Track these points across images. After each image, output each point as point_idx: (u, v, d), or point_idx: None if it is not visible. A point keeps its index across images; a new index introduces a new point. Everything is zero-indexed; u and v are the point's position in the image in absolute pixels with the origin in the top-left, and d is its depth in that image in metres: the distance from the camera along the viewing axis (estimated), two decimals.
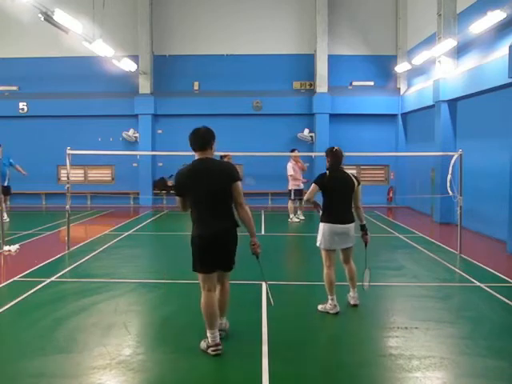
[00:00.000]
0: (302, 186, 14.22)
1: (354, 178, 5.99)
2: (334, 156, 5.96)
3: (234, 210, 4.78)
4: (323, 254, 6.08)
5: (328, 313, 5.88)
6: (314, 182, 5.98)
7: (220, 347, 4.65)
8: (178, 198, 4.82)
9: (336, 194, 5.88)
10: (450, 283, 7.60)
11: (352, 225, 6.04)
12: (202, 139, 4.80)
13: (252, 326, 5.00)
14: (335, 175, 5.93)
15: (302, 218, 14.45)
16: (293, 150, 14.26)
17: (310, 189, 5.95)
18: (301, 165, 14.42)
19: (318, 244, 6.07)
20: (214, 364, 4.54)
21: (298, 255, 10.14)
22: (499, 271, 8.04)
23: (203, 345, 4.75)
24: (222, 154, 13.21)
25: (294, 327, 5.48)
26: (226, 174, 4.73)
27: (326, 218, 5.97)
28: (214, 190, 4.64)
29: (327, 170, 6.01)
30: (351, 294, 6.23)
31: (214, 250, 4.67)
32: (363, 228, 6.24)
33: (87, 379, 4.23)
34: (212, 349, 4.64)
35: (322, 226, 6.00)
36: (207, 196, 4.64)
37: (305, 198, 6.10)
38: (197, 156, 4.83)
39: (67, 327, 5.48)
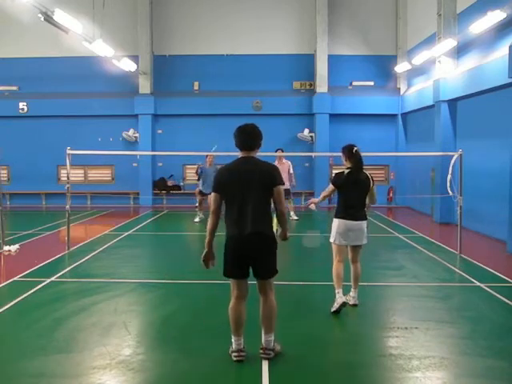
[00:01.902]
0: (288, 186, 14.12)
1: (370, 178, 6.11)
2: (355, 157, 5.99)
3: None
4: (334, 248, 6.19)
5: (336, 312, 5.83)
6: (332, 183, 6.14)
7: (243, 354, 4.53)
8: (213, 194, 4.54)
9: (352, 193, 5.96)
10: (449, 283, 7.60)
11: (365, 222, 6.08)
12: (252, 139, 4.63)
13: (252, 326, 4.98)
14: (354, 176, 5.99)
15: (296, 218, 14.47)
16: (277, 150, 14.20)
17: (329, 189, 6.14)
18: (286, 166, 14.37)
19: (331, 240, 6.19)
20: (214, 364, 4.54)
21: (297, 255, 10.13)
22: (499, 271, 8.03)
23: (230, 349, 4.63)
24: (206, 154, 13.32)
25: (294, 327, 5.48)
26: (268, 176, 4.50)
27: (340, 214, 6.08)
28: (253, 192, 4.44)
29: (347, 169, 6.05)
30: (352, 293, 6.26)
31: (247, 255, 4.45)
32: None
33: (87, 379, 4.23)
34: (235, 354, 4.53)
35: (336, 221, 6.12)
36: (245, 197, 4.44)
37: (321, 196, 6.34)
38: (241, 154, 4.64)
39: (67, 327, 5.48)
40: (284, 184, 4.67)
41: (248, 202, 4.45)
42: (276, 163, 14.21)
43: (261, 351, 4.58)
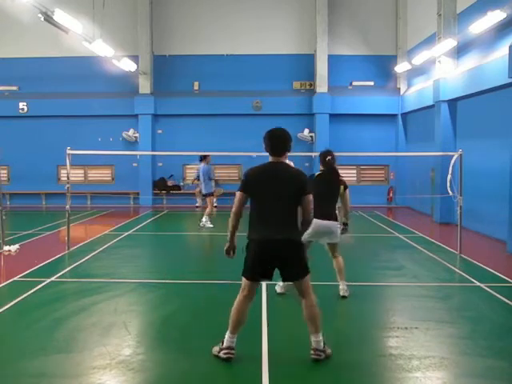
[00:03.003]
0: None
1: (341, 182, 6.49)
2: (327, 165, 6.46)
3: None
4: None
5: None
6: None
7: (233, 351, 4.53)
8: (238, 194, 4.49)
9: (321, 194, 6.01)
10: (449, 283, 7.60)
11: (333, 222, 6.40)
12: (283, 145, 4.58)
13: (252, 325, 4.99)
14: (324, 177, 6.45)
15: None
16: None
17: None
18: None
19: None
20: (214, 364, 4.54)
21: None
22: (499, 271, 8.04)
23: (215, 349, 4.64)
24: (203, 154, 13.30)
25: (294, 327, 5.48)
26: (298, 183, 4.47)
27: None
28: (281, 197, 4.41)
29: (321, 171, 6.55)
30: (341, 285, 6.59)
31: (272, 260, 4.45)
32: (345, 224, 6.66)
33: (87, 379, 4.22)
34: (225, 351, 4.51)
35: None
36: (273, 201, 4.41)
37: None
38: (270, 159, 4.60)
39: (67, 327, 5.48)
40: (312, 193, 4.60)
41: (277, 206, 4.43)
42: None
43: (311, 352, 4.55)
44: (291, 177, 4.52)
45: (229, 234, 4.59)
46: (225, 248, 4.63)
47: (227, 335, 4.57)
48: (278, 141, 4.60)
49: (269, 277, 4.57)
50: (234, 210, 4.52)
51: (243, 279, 4.58)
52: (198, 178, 14.00)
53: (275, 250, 4.44)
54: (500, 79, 10.47)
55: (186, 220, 14.93)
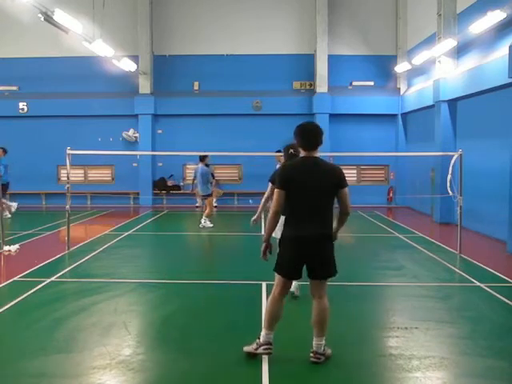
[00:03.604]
0: None
1: None
2: (290, 158, 5.95)
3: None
4: None
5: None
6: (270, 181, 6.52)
7: (271, 347, 4.51)
8: (278, 192, 4.37)
9: None
10: (450, 283, 7.60)
11: None
12: (318, 138, 4.56)
13: (252, 325, 4.99)
14: None
15: None
16: (278, 151, 14.19)
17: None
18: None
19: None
20: (214, 364, 4.54)
21: None
22: (499, 271, 8.03)
23: (248, 348, 4.60)
24: (202, 154, 13.29)
25: (294, 327, 5.48)
26: (336, 178, 4.42)
27: None
28: (320, 192, 4.37)
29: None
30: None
31: (311, 256, 4.40)
32: None
33: (87, 379, 4.22)
34: (265, 347, 4.49)
35: None
36: (312, 196, 4.36)
37: None
38: (303, 154, 4.55)
39: (67, 327, 5.48)
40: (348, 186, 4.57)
41: (317, 202, 4.39)
42: (278, 166, 14.24)
43: (311, 355, 4.53)
44: (328, 171, 4.46)
45: (267, 234, 4.47)
46: (262, 249, 4.47)
47: (264, 332, 4.54)
48: (310, 135, 4.59)
49: (301, 275, 4.53)
50: (275, 209, 4.35)
51: (277, 276, 4.54)
52: (195, 178, 13.99)
53: (315, 247, 4.40)
54: (500, 79, 10.47)
55: (186, 220, 14.93)
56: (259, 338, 4.57)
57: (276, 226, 4.45)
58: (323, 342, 4.55)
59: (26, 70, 18.75)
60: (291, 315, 5.87)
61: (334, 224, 4.53)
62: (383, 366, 4.53)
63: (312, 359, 4.51)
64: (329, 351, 4.63)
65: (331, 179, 4.42)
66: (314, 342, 4.55)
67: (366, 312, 6.12)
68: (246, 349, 4.64)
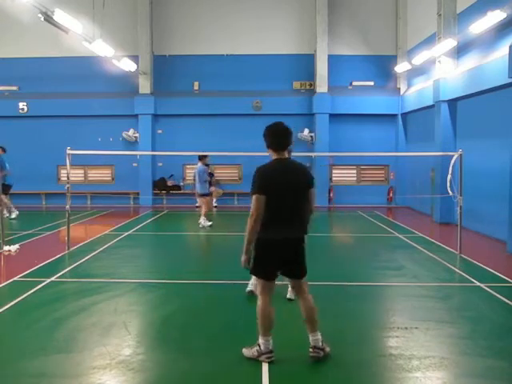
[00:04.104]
0: None
1: None
2: None
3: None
4: None
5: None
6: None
7: (273, 354, 4.51)
8: (257, 197, 4.30)
9: None
10: (450, 283, 7.60)
11: None
12: (289, 139, 4.58)
13: (252, 325, 4.98)
14: None
15: None
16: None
17: None
18: None
19: None
20: (214, 364, 4.54)
21: None
22: (499, 271, 8.04)
23: (250, 352, 4.59)
24: (201, 154, 13.29)
25: (294, 327, 5.48)
26: (308, 177, 4.51)
27: None
28: (297, 193, 4.42)
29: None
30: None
31: (285, 256, 4.44)
32: None
33: (87, 379, 4.23)
34: (268, 355, 4.48)
35: None
36: (290, 198, 4.37)
37: None
38: (275, 155, 4.54)
39: (67, 327, 5.48)
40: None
41: (296, 203, 4.42)
42: None
43: (310, 350, 4.56)
44: (300, 171, 4.53)
45: (246, 242, 4.38)
46: (242, 259, 4.40)
47: (263, 339, 4.52)
48: (284, 135, 4.57)
49: (276, 275, 4.56)
50: (255, 216, 4.30)
51: (261, 281, 4.53)
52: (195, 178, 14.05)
53: (296, 249, 4.49)
54: (500, 79, 10.47)
55: (186, 220, 14.92)
56: (259, 346, 4.54)
57: (257, 232, 4.35)
58: (319, 336, 4.59)
59: (26, 70, 18.75)
60: (291, 315, 5.87)
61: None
62: (383, 366, 4.53)
63: (311, 354, 4.54)
64: (327, 348, 4.65)
65: (304, 179, 4.50)
66: (310, 339, 4.59)
67: (366, 312, 6.12)
68: (246, 353, 4.63)
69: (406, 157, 18.12)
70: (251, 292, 6.44)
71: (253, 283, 6.41)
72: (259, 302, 4.52)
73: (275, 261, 4.45)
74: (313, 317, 4.60)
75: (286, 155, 4.59)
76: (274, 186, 4.35)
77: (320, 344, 4.57)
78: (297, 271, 4.57)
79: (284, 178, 4.40)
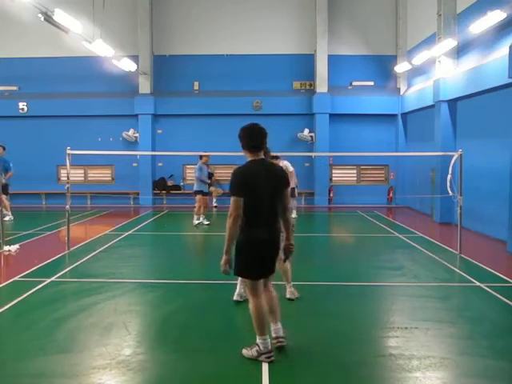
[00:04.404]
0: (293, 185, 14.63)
1: None
2: None
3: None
4: None
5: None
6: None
7: (273, 353, 4.55)
8: (236, 199, 4.34)
9: None
10: (449, 283, 7.60)
11: None
12: (265, 140, 4.64)
13: (252, 325, 4.98)
14: None
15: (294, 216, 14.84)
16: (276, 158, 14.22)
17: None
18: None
19: None
20: (214, 364, 4.54)
21: (297, 255, 10.13)
22: (499, 271, 8.04)
23: (250, 352, 4.60)
24: (203, 153, 13.30)
25: (294, 327, 5.48)
26: (283, 177, 4.61)
27: None
28: (274, 193, 4.50)
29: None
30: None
31: (267, 255, 4.56)
32: None
33: (87, 379, 4.23)
34: (267, 355, 4.50)
35: None
36: (267, 198, 4.45)
37: None
38: (251, 156, 4.58)
39: (67, 327, 5.48)
40: None
41: (273, 203, 4.52)
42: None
43: (274, 341, 4.67)
44: (276, 172, 4.64)
45: (227, 244, 4.38)
46: (222, 262, 4.39)
47: (261, 339, 4.53)
48: (260, 136, 4.64)
49: (265, 274, 4.69)
50: (234, 216, 4.32)
51: (249, 282, 4.57)
52: None
53: (275, 247, 4.61)
54: (500, 79, 10.47)
55: (186, 220, 14.89)
56: (258, 346, 4.55)
57: (236, 234, 4.38)
58: (279, 325, 4.76)
59: (26, 70, 18.75)
60: (291, 316, 5.88)
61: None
62: (383, 366, 4.53)
63: (277, 345, 4.71)
64: (285, 332, 4.80)
65: (280, 180, 4.58)
66: (272, 329, 4.74)
67: (366, 312, 6.12)
68: (246, 354, 4.64)
69: (405, 157, 18.12)
70: (238, 301, 6.36)
71: (237, 293, 6.38)
72: (251, 304, 4.56)
73: (258, 260, 4.52)
74: (277, 307, 4.78)
75: (262, 156, 4.63)
76: (251, 188, 4.41)
77: (281, 333, 4.75)
78: (273, 266, 4.71)
79: (260, 178, 4.46)
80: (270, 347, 4.54)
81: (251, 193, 4.39)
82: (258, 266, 4.53)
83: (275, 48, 18.74)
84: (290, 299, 6.33)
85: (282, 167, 4.74)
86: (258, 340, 4.55)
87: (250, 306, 4.57)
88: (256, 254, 4.48)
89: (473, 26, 10.89)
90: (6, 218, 14.41)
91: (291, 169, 14.31)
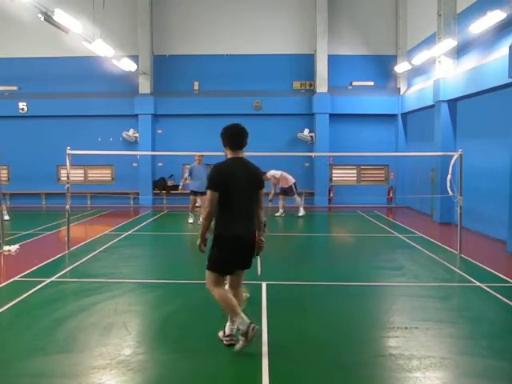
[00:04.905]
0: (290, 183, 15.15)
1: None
2: None
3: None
4: None
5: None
6: None
7: (234, 338, 4.78)
8: (211, 193, 4.56)
9: None
10: (449, 283, 7.60)
11: None
12: (246, 139, 4.81)
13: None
14: None
15: (302, 214, 14.94)
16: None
17: None
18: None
19: None
20: (214, 364, 4.54)
21: (298, 255, 10.14)
22: (499, 271, 8.04)
23: (220, 334, 4.92)
24: (198, 153, 13.42)
25: (294, 327, 5.48)
26: (259, 178, 4.82)
27: None
28: (250, 191, 4.66)
29: None
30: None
31: (241, 251, 4.66)
32: None
33: (87, 379, 4.23)
34: (226, 338, 4.83)
35: None
36: (244, 196, 4.61)
37: None
38: (231, 154, 4.75)
39: (67, 327, 5.48)
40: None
41: (249, 201, 4.65)
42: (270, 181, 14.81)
43: (227, 338, 4.84)
44: (254, 171, 4.76)
45: (202, 231, 4.71)
46: (198, 243, 4.71)
47: (231, 323, 4.79)
48: (241, 135, 4.81)
49: (232, 270, 4.83)
50: (208, 209, 4.60)
51: (213, 275, 4.72)
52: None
53: (248, 245, 4.70)
54: (500, 79, 10.47)
55: (186, 220, 14.89)
56: (224, 329, 4.87)
57: (210, 224, 4.69)
58: (235, 326, 4.84)
59: (26, 70, 18.75)
60: (291, 315, 5.88)
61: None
62: (383, 366, 4.53)
63: (226, 343, 4.84)
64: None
65: (256, 179, 4.75)
66: (227, 327, 4.86)
67: (366, 312, 6.11)
68: (220, 335, 4.93)
69: (405, 157, 18.12)
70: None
71: (229, 326, 5.04)
72: (215, 294, 4.71)
73: (229, 257, 4.64)
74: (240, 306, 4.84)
75: (242, 155, 4.79)
76: (227, 184, 4.57)
77: (234, 332, 4.84)
78: (248, 262, 4.79)
79: (238, 176, 4.62)
80: (232, 332, 4.79)
81: (227, 189, 4.57)
82: (229, 261, 4.67)
83: (275, 48, 18.74)
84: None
85: (258, 168, 4.88)
86: (228, 324, 4.82)
87: (215, 296, 4.73)
88: (228, 250, 4.62)
89: (473, 26, 10.89)
90: (6, 218, 14.46)
91: (278, 174, 14.81)
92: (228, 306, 4.68)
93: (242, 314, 4.65)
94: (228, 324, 4.86)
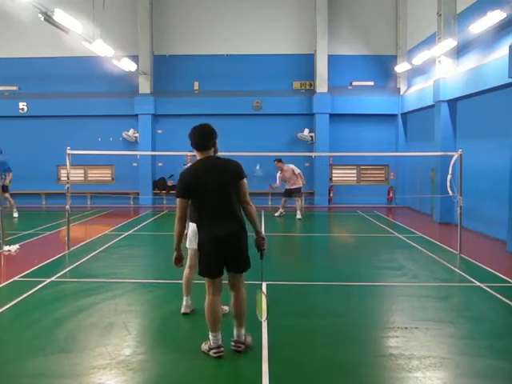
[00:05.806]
0: (299, 185, 15.08)
1: None
2: None
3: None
4: None
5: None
6: None
7: (222, 349, 4.60)
8: (180, 201, 4.52)
9: None
10: (449, 283, 7.60)
11: None
12: (204, 139, 4.73)
13: (252, 325, 4.99)
14: None
15: (299, 217, 14.83)
16: (275, 161, 14.59)
17: None
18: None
19: None
20: (215, 364, 4.54)
21: (298, 255, 10.14)
22: (499, 271, 8.03)
23: (204, 347, 4.70)
24: (189, 153, 13.39)
25: (294, 327, 5.48)
26: (232, 171, 4.60)
27: None
28: (222, 189, 4.50)
29: None
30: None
31: (222, 253, 4.53)
32: None
33: (87, 379, 4.22)
34: (214, 351, 4.59)
35: None
36: (215, 195, 4.49)
37: None
38: (198, 156, 4.71)
39: (67, 327, 5.48)
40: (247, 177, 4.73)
41: (222, 200, 4.53)
42: (279, 174, 14.62)
43: (232, 344, 4.70)
44: (224, 166, 4.62)
45: (176, 242, 4.66)
46: (173, 258, 4.69)
47: (211, 335, 4.62)
48: (199, 136, 4.76)
49: (222, 271, 4.67)
50: (178, 217, 4.53)
51: (206, 279, 4.65)
52: None
53: (230, 244, 4.54)
54: (500, 79, 10.47)
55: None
56: (209, 341, 4.64)
57: (182, 232, 4.64)
58: (243, 331, 4.73)
59: (26, 70, 18.75)
60: (291, 315, 5.88)
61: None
62: (383, 365, 4.53)
63: (233, 347, 4.69)
64: (249, 339, 4.79)
65: (229, 173, 4.59)
66: (236, 333, 4.71)
67: (366, 312, 6.11)
68: (203, 348, 4.73)
69: (405, 157, 18.12)
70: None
71: (185, 304, 5.92)
72: (205, 301, 4.64)
73: (214, 258, 4.55)
74: (243, 312, 4.72)
75: (210, 153, 4.70)
76: (194, 188, 4.50)
77: (242, 339, 4.72)
78: (238, 265, 4.63)
79: (205, 177, 4.52)
80: (219, 343, 4.60)
81: (197, 192, 4.50)
82: (213, 264, 4.57)
83: (275, 48, 18.74)
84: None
85: (234, 161, 4.70)
86: (210, 335, 4.63)
87: (205, 302, 4.65)
88: (211, 252, 4.54)
89: (473, 26, 10.89)
90: (15, 215, 14.63)
91: (298, 170, 14.74)
92: (210, 319, 4.60)
93: (219, 335, 4.60)
94: (210, 335, 4.65)
